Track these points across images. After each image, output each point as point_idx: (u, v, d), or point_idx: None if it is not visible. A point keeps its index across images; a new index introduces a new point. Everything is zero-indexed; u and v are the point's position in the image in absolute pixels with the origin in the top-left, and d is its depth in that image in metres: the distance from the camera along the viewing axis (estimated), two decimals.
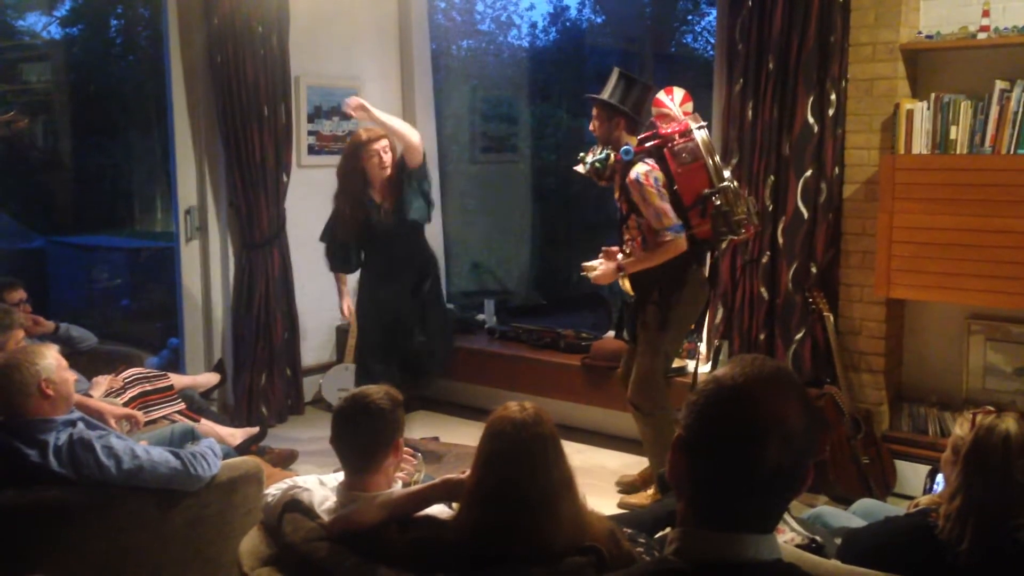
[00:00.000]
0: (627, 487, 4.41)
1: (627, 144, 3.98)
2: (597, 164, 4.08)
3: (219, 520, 3.04)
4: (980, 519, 2.15)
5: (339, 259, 4.75)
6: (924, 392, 4.37)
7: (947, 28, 4.10)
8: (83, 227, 8.81)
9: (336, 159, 5.80)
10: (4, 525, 2.75)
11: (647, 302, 4.05)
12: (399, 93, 6.27)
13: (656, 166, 3.86)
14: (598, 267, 4.09)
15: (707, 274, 4.15)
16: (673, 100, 4.11)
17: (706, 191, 3.80)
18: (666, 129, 3.91)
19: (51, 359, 2.94)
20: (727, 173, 3.86)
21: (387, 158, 4.52)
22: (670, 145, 3.85)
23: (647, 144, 3.91)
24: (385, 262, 4.64)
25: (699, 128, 3.84)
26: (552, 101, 8.94)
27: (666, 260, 3.89)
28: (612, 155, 4.02)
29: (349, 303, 4.88)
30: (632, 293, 4.13)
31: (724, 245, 4.21)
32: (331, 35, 5.83)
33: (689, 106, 4.16)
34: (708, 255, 4.12)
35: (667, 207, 3.82)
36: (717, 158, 3.84)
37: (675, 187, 3.85)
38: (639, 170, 3.86)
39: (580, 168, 4.16)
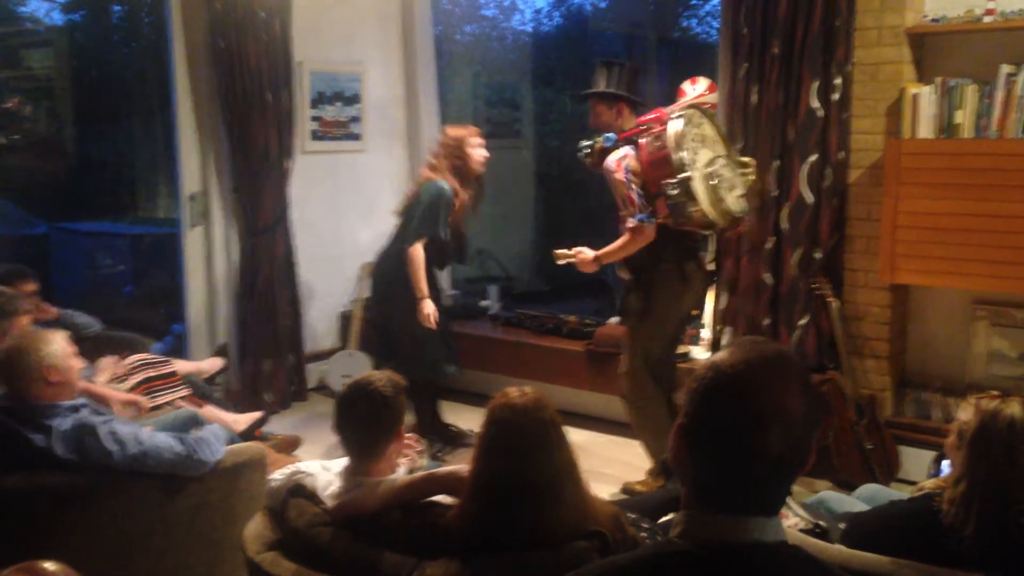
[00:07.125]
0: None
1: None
2: (584, 150, 4.08)
3: (223, 505, 3.05)
4: (984, 503, 2.15)
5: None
6: (928, 378, 4.36)
7: (953, 12, 4.07)
8: (86, 213, 8.80)
9: (339, 144, 5.83)
10: (9, 509, 2.76)
11: (630, 289, 4.07)
12: (402, 78, 6.26)
13: (632, 154, 3.86)
14: (572, 255, 4.07)
15: (708, 266, 4.12)
16: (696, 89, 4.10)
17: (663, 182, 3.70)
18: (648, 117, 3.92)
19: (57, 346, 2.95)
20: (721, 165, 3.74)
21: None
22: (645, 133, 3.85)
23: (642, 128, 3.90)
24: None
25: (676, 118, 3.74)
26: (555, 86, 8.90)
27: (637, 248, 3.87)
28: (597, 141, 4.02)
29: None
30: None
31: (727, 235, 4.18)
32: (334, 20, 5.81)
33: (713, 97, 4.13)
34: (702, 248, 4.10)
35: (633, 195, 3.80)
36: (684, 154, 3.65)
37: (644, 175, 3.83)
38: (613, 157, 3.87)
39: (580, 155, 4.18)
